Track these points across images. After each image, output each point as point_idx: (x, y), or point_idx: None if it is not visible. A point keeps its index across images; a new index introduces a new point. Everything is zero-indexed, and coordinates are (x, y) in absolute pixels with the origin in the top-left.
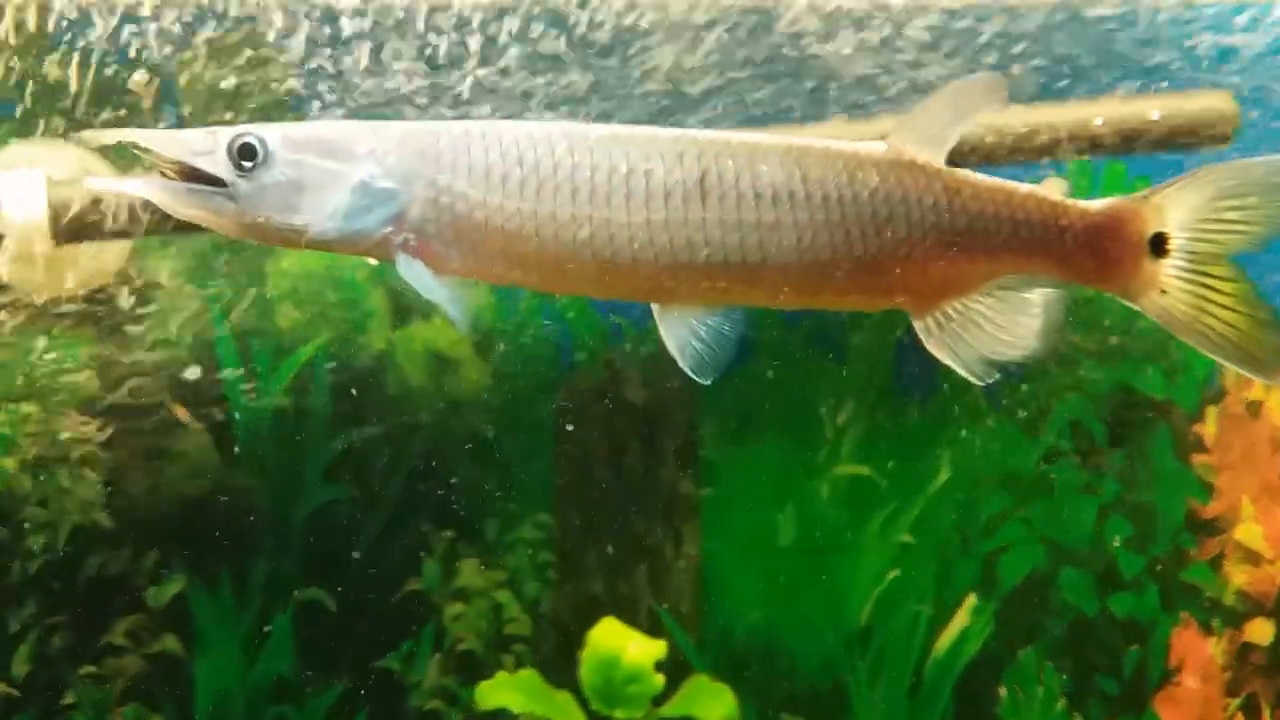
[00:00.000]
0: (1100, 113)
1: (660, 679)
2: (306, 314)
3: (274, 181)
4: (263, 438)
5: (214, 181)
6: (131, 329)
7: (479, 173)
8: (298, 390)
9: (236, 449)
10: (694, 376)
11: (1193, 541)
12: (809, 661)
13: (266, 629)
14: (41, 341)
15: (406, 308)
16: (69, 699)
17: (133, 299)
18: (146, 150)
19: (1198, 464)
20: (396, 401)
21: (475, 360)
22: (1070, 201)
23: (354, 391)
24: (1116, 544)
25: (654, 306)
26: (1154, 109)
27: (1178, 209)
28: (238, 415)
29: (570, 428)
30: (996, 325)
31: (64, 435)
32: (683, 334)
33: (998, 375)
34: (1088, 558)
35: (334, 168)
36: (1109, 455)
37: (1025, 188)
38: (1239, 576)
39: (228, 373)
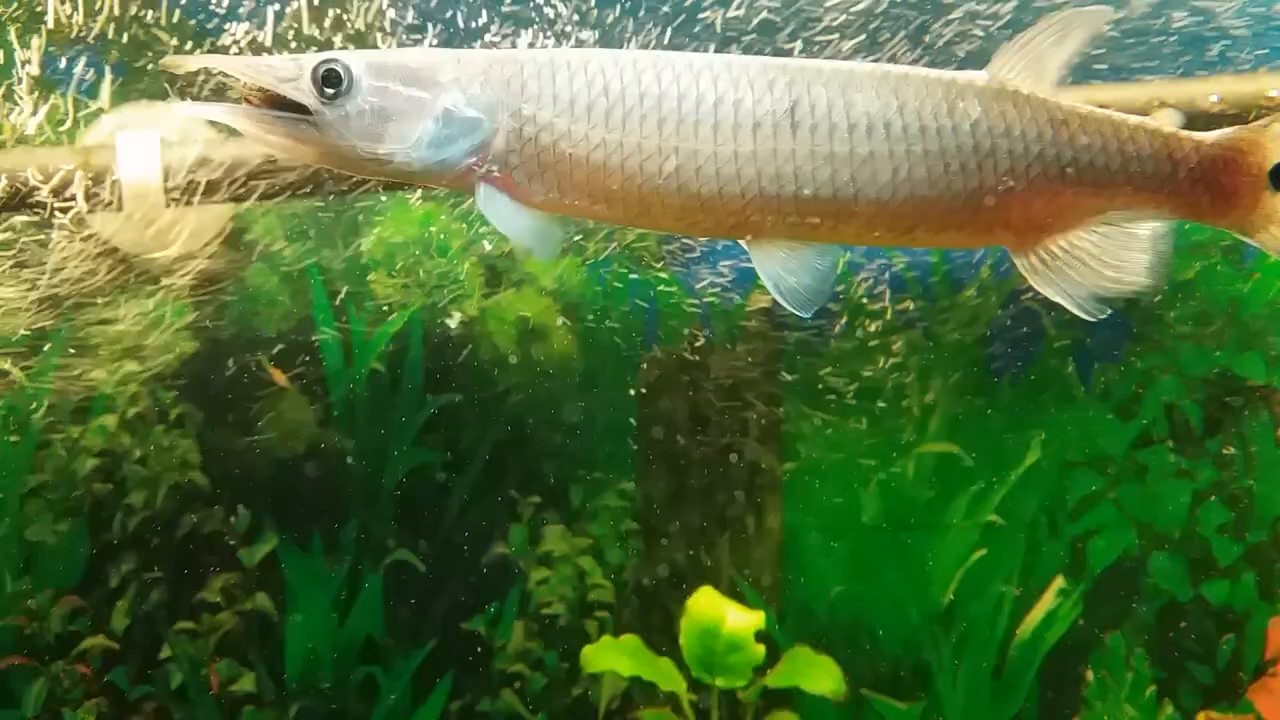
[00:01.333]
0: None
1: (761, 649)
2: (401, 280)
3: (358, 109)
4: (356, 401)
5: (299, 109)
6: (232, 292)
7: (564, 102)
8: (391, 355)
9: (331, 412)
10: (792, 310)
11: None
12: (891, 639)
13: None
14: (145, 302)
15: (498, 277)
16: (165, 653)
17: (235, 263)
18: (233, 77)
19: None
20: (486, 369)
21: (563, 330)
22: (1184, 133)
23: (445, 358)
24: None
25: (745, 241)
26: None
27: None
28: (333, 379)
29: (654, 399)
30: (1103, 261)
31: (164, 395)
32: (775, 269)
33: (1109, 311)
34: (1181, 543)
35: (418, 95)
36: (1206, 440)
37: (1136, 119)
38: None
39: (324, 335)
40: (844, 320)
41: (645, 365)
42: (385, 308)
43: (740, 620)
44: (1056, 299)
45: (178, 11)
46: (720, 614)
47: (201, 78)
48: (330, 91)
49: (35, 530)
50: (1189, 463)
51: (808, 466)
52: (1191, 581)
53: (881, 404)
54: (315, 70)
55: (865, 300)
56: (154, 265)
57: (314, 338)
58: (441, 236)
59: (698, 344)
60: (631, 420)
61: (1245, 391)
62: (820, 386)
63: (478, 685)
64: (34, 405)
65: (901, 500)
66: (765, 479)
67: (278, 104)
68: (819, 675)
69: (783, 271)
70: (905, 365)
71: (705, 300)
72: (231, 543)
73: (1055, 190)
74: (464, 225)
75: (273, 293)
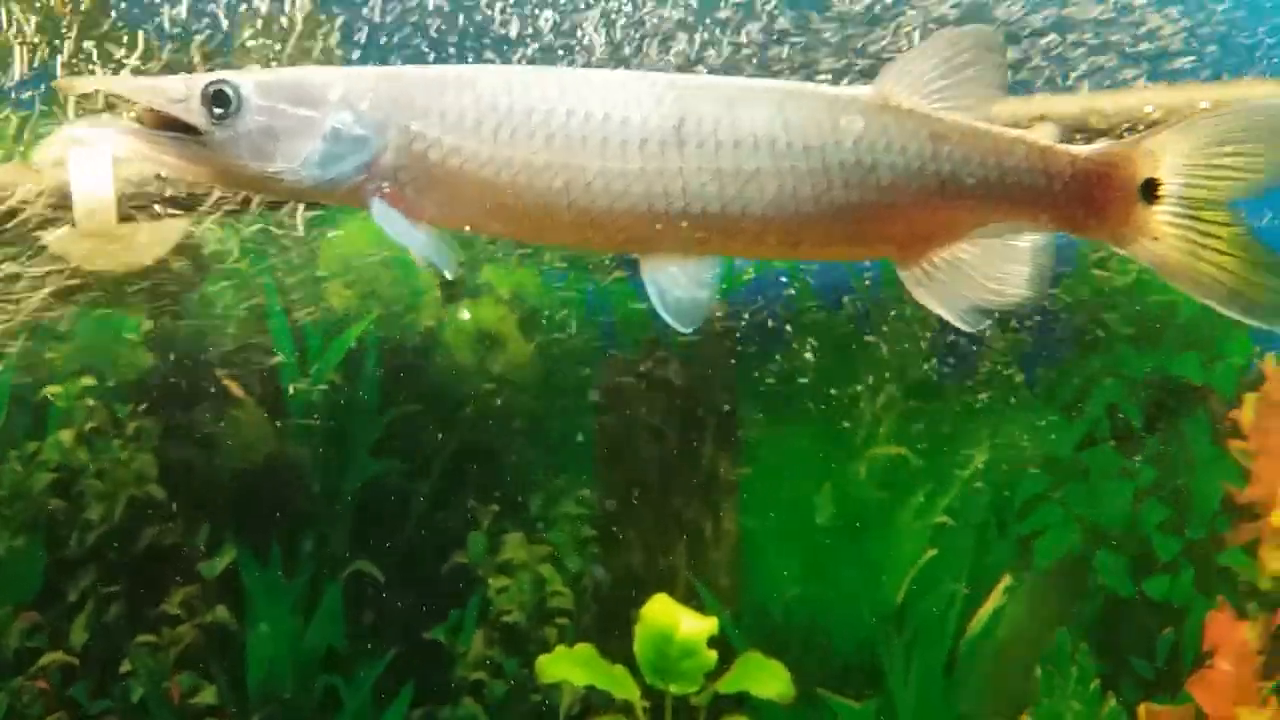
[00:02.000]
0: (1153, 100)
1: (713, 655)
2: (357, 292)
3: (247, 129)
4: (313, 413)
5: (190, 129)
6: (186, 305)
7: (452, 118)
8: (348, 367)
9: (288, 424)
10: (675, 325)
11: (1229, 526)
12: (845, 638)
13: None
14: (98, 316)
15: (455, 287)
16: (125, 667)
17: (188, 275)
18: (123, 98)
19: (1234, 450)
20: (443, 379)
21: (520, 339)
22: (1060, 147)
23: (402, 369)
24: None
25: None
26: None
27: (1171, 154)
28: (289, 390)
29: (611, 407)
30: (984, 274)
31: (120, 409)
32: (663, 282)
33: (988, 323)
34: (1124, 541)
35: (306, 114)
36: (1146, 440)
37: (1014, 133)
38: (1274, 561)
39: (280, 349)
40: (798, 326)
41: (602, 373)
42: (340, 320)
43: (693, 627)
44: (938, 310)
45: (130, 25)
46: (674, 621)
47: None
48: (219, 111)
49: None
50: (1130, 462)
51: (763, 471)
52: (1133, 578)
53: (833, 408)
54: (205, 90)
55: (815, 307)
56: (108, 279)
57: (270, 350)
58: (397, 247)
59: (654, 352)
60: (589, 427)
61: (1182, 392)
62: (773, 392)
63: (439, 693)
64: None
65: (854, 502)
66: (721, 484)
67: (168, 124)
68: (767, 679)
69: (669, 286)
70: (856, 370)
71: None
72: (191, 555)
73: (935, 203)
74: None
75: (229, 306)
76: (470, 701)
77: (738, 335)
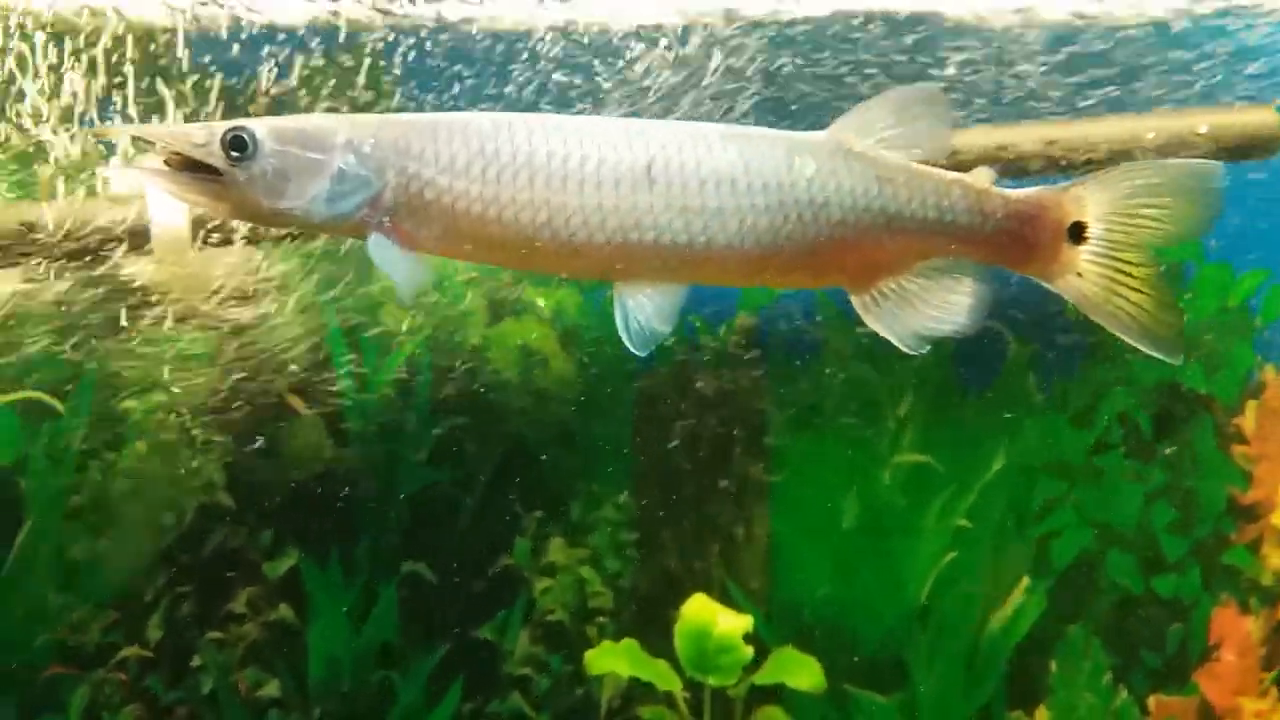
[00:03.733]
0: (1151, 126)
1: (749, 650)
2: (409, 311)
3: (261, 170)
4: (370, 425)
5: (213, 170)
6: (251, 324)
7: (445, 160)
8: (401, 381)
9: (346, 435)
10: (631, 349)
11: (1233, 526)
12: (871, 636)
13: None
14: (170, 336)
15: (500, 306)
16: (196, 661)
17: (254, 298)
18: (152, 143)
19: (1237, 454)
20: (490, 392)
21: (561, 354)
22: (994, 190)
23: (451, 383)
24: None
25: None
26: (1201, 123)
27: (1096, 201)
28: (347, 404)
29: (647, 417)
30: (928, 303)
31: (190, 422)
32: (630, 308)
33: (927, 348)
34: (1134, 541)
35: (315, 157)
36: (1155, 445)
37: (953, 176)
38: (1276, 559)
39: (337, 365)
40: (825, 340)
41: (639, 385)
42: (394, 337)
43: (730, 623)
44: (885, 335)
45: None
46: (712, 618)
47: None
48: (236, 154)
49: (75, 549)
50: (1140, 466)
51: (792, 477)
52: (1143, 576)
53: (859, 417)
54: (224, 136)
55: (844, 321)
56: (180, 301)
57: (329, 366)
58: (447, 270)
59: (688, 364)
60: (627, 437)
61: (1189, 401)
62: (802, 402)
63: (488, 688)
64: (72, 434)
65: (879, 507)
66: (753, 490)
67: (193, 166)
68: (802, 672)
69: (635, 312)
70: (881, 381)
71: (692, 322)
72: (256, 558)
73: (882, 238)
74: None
75: (291, 326)
76: (517, 696)
77: (767, 347)
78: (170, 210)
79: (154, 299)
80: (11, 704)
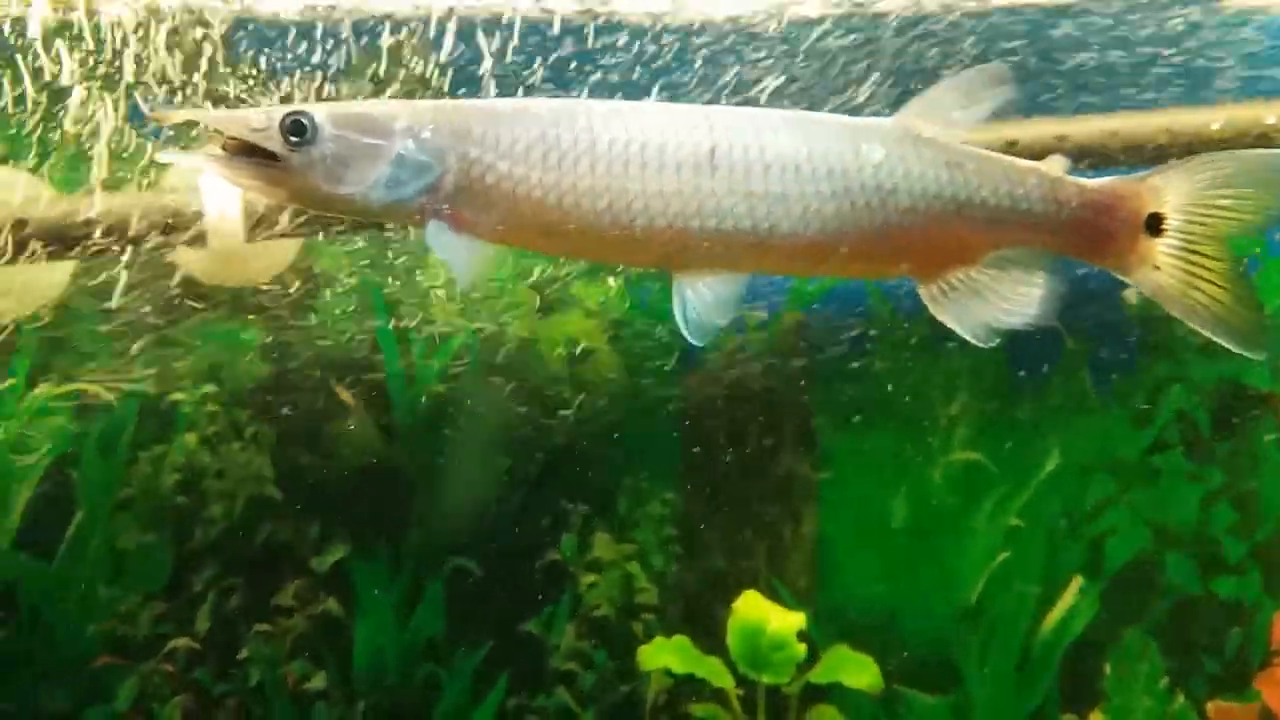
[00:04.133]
0: (1217, 117)
1: (803, 647)
2: (459, 305)
3: (321, 155)
4: (417, 419)
5: (270, 155)
6: (301, 317)
7: (505, 146)
8: (449, 375)
9: (394, 429)
10: (688, 337)
11: None
12: (921, 637)
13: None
14: (221, 328)
15: (548, 300)
16: (244, 653)
17: (304, 290)
18: (212, 127)
19: None
20: (538, 386)
21: (609, 349)
22: (1070, 179)
23: (499, 377)
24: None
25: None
26: (1270, 115)
27: (1175, 192)
28: (396, 398)
29: (694, 413)
30: (998, 294)
31: (239, 414)
32: (689, 298)
33: (997, 340)
34: (1192, 542)
35: (374, 142)
36: (1214, 445)
37: (1026, 164)
38: None
39: (387, 359)
40: (875, 336)
41: (685, 380)
42: (443, 331)
43: (783, 621)
44: (953, 326)
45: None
46: (765, 615)
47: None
48: (295, 139)
49: (125, 540)
50: (1199, 467)
51: (841, 475)
52: (1202, 578)
53: (910, 414)
54: (283, 121)
55: (894, 317)
56: (230, 294)
57: (378, 360)
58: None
59: (735, 359)
60: (673, 433)
61: (1251, 399)
62: (852, 399)
63: (533, 683)
64: (122, 425)
65: (930, 506)
66: (801, 487)
67: (250, 151)
68: (858, 671)
69: (694, 302)
70: (932, 378)
71: (741, 316)
72: (304, 550)
73: (951, 227)
74: (512, 253)
75: (340, 319)
76: (562, 691)
77: (816, 343)
78: (225, 201)
79: (206, 290)
80: (62, 694)
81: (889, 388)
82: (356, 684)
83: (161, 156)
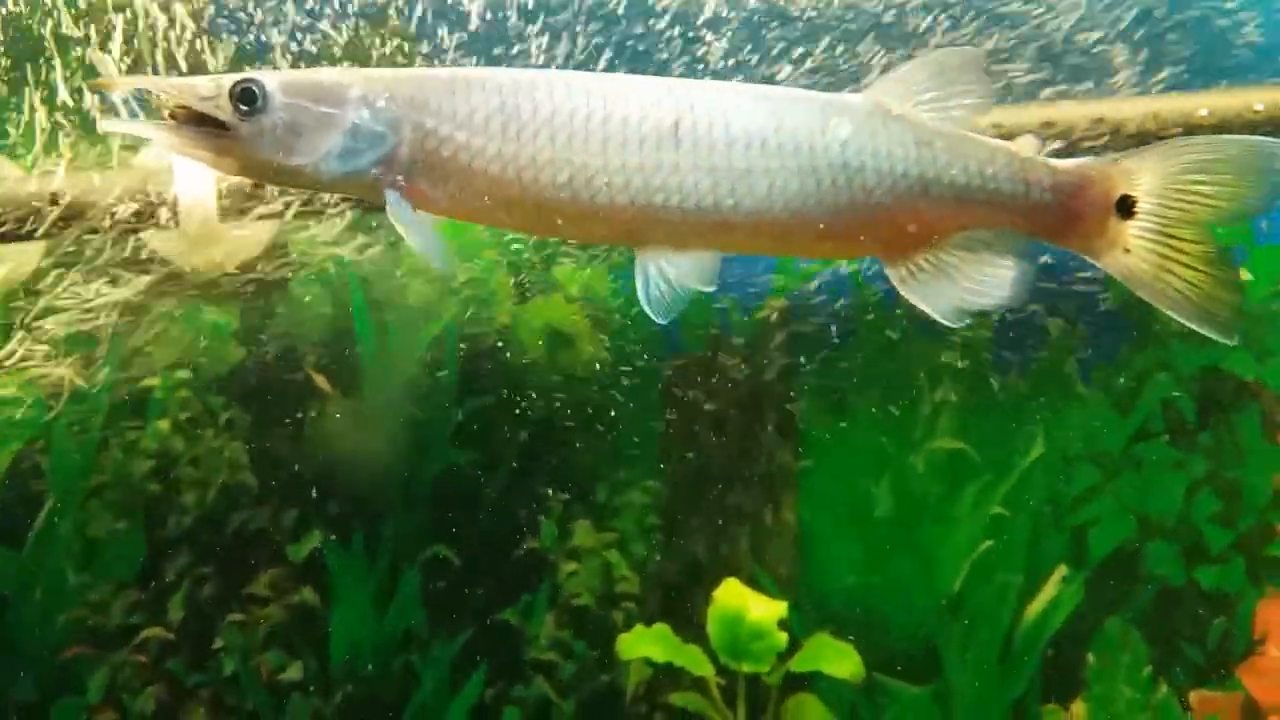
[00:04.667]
0: (1204, 103)
1: (784, 636)
2: (436, 290)
3: (272, 124)
4: (394, 405)
5: (220, 124)
6: (275, 301)
7: (463, 117)
8: (427, 360)
9: (370, 415)
10: (651, 315)
11: (1279, 517)
12: (903, 626)
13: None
14: (194, 313)
15: (527, 286)
16: (217, 644)
17: (279, 274)
18: (158, 95)
19: None
20: (517, 373)
21: (590, 335)
22: (1040, 159)
23: (477, 363)
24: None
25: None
26: (1257, 101)
27: (1148, 174)
28: (372, 384)
29: (675, 400)
30: (967, 276)
31: (214, 400)
32: (652, 274)
33: (968, 320)
34: (1176, 531)
35: (328, 111)
36: (1198, 433)
37: (996, 143)
38: None
39: (363, 344)
40: (858, 324)
41: (666, 368)
42: (420, 316)
43: (764, 609)
44: (922, 307)
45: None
46: (745, 604)
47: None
48: (245, 108)
49: (96, 528)
50: (1183, 455)
51: (823, 463)
52: (1185, 567)
53: (892, 402)
54: (233, 88)
55: (875, 304)
56: (203, 277)
57: (354, 345)
58: (474, 247)
59: (717, 347)
60: (654, 421)
61: (1235, 387)
62: (833, 386)
63: (511, 673)
64: (93, 411)
65: (912, 494)
66: (782, 475)
67: (199, 120)
68: (839, 660)
69: (656, 279)
70: (915, 366)
71: (723, 305)
72: (278, 539)
73: (919, 206)
74: (491, 236)
75: (315, 303)
76: (542, 681)
77: (799, 330)
78: (197, 182)
79: (179, 273)
80: (31, 684)
81: (871, 376)
82: (333, 674)
83: (105, 126)
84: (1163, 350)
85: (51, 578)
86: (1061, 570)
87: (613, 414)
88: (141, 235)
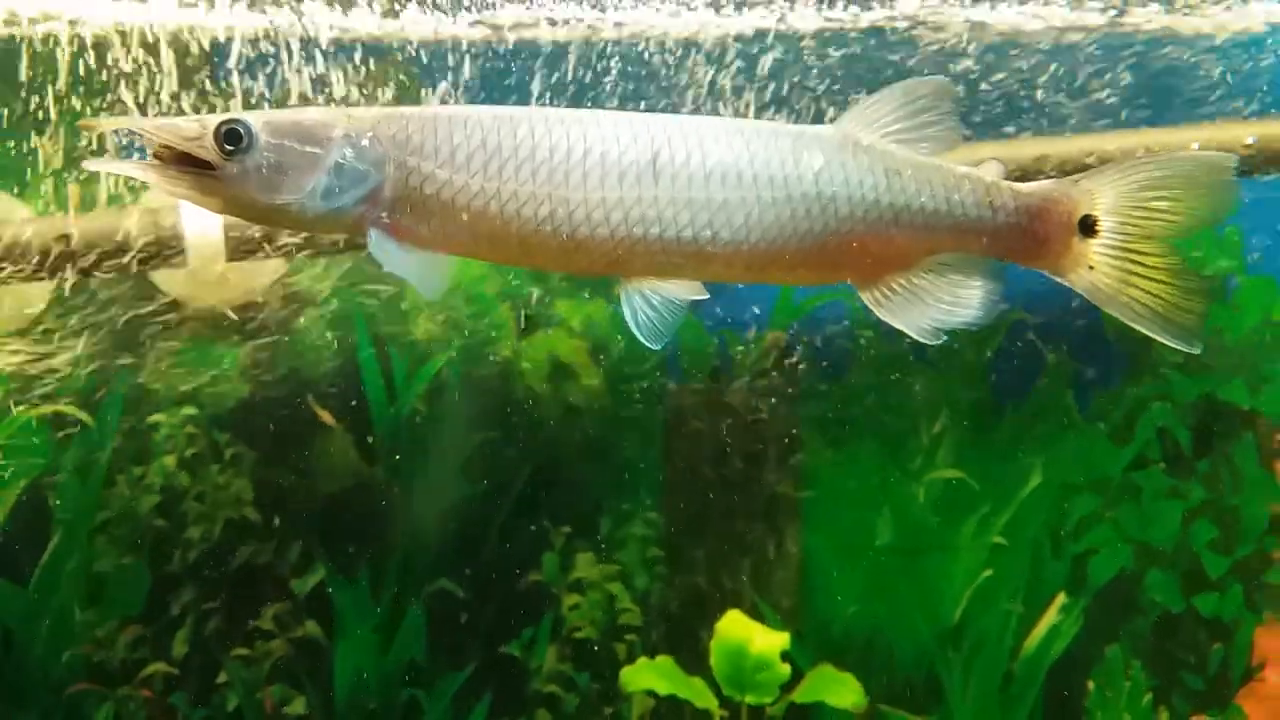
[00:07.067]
0: (1196, 137)
1: (787, 668)
2: (440, 325)
3: (256, 164)
4: (399, 439)
5: (205, 164)
6: (281, 338)
7: (445, 154)
8: (431, 395)
9: (375, 450)
10: (643, 342)
11: (1276, 544)
12: (904, 655)
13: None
14: (200, 349)
15: (531, 320)
16: (222, 678)
17: (285, 311)
18: (143, 135)
19: None
20: (520, 406)
21: (592, 369)
22: (1003, 183)
23: (481, 397)
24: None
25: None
26: (1248, 135)
27: (1107, 194)
28: (377, 418)
29: (677, 432)
30: (938, 297)
31: (219, 436)
32: (637, 302)
33: (943, 338)
34: (1174, 559)
35: (312, 151)
36: (1195, 462)
37: (962, 170)
38: None
39: (368, 379)
40: (857, 354)
41: (668, 400)
42: (424, 351)
43: (767, 641)
44: (898, 326)
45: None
46: (748, 635)
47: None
48: (230, 148)
49: (102, 563)
50: (1180, 483)
51: (824, 494)
52: (1184, 594)
53: (892, 433)
54: (218, 129)
55: (875, 335)
56: (209, 314)
57: (359, 380)
58: (476, 282)
59: (717, 379)
60: (656, 453)
61: (1231, 416)
62: (834, 417)
63: (515, 706)
64: (99, 447)
65: (913, 524)
66: (784, 506)
67: (184, 160)
68: (841, 691)
69: (642, 306)
70: (914, 397)
71: (722, 336)
72: (283, 574)
73: (890, 232)
74: (496, 272)
75: (320, 338)
76: (544, 713)
77: (799, 361)
78: (205, 221)
79: (186, 310)
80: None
81: (871, 406)
82: (337, 709)
83: (90, 165)
84: (1159, 380)
85: (57, 613)
86: (1061, 598)
87: (614, 446)
88: (149, 273)
